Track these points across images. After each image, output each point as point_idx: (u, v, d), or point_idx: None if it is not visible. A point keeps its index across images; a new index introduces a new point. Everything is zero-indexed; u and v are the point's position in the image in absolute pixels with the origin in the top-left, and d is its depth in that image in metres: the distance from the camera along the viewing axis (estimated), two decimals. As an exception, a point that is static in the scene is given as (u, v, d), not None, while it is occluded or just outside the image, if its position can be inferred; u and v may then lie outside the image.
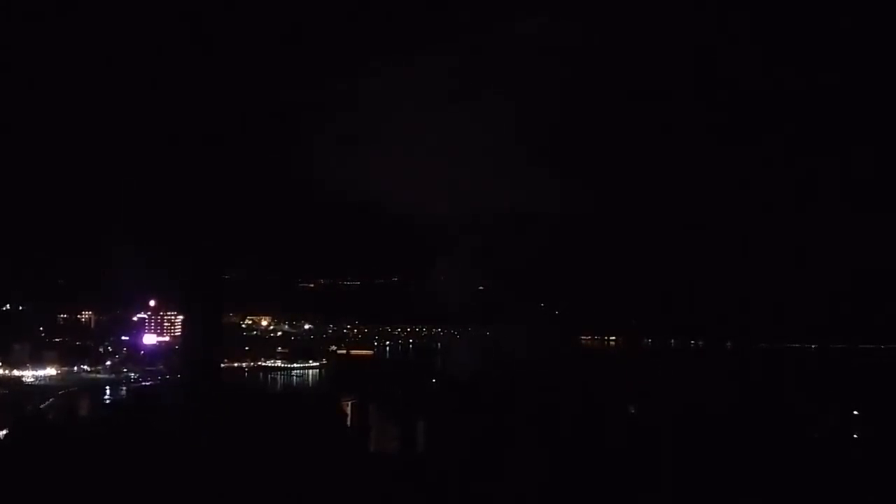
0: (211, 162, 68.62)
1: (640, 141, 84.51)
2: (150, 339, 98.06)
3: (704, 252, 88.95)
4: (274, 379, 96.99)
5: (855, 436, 67.47)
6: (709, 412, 66.68)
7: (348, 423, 64.12)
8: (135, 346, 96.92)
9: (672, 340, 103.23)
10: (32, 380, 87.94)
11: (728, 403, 70.45)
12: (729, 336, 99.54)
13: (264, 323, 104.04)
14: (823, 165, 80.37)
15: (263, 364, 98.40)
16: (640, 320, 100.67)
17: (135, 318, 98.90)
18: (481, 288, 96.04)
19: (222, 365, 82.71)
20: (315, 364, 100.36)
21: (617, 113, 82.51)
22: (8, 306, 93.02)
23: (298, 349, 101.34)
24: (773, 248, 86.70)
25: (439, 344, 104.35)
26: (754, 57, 75.82)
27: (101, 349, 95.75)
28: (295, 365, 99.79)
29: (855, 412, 70.89)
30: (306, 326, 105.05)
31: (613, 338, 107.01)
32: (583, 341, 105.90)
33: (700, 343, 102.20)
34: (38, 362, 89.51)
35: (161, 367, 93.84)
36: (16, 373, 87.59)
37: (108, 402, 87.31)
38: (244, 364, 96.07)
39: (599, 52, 74.63)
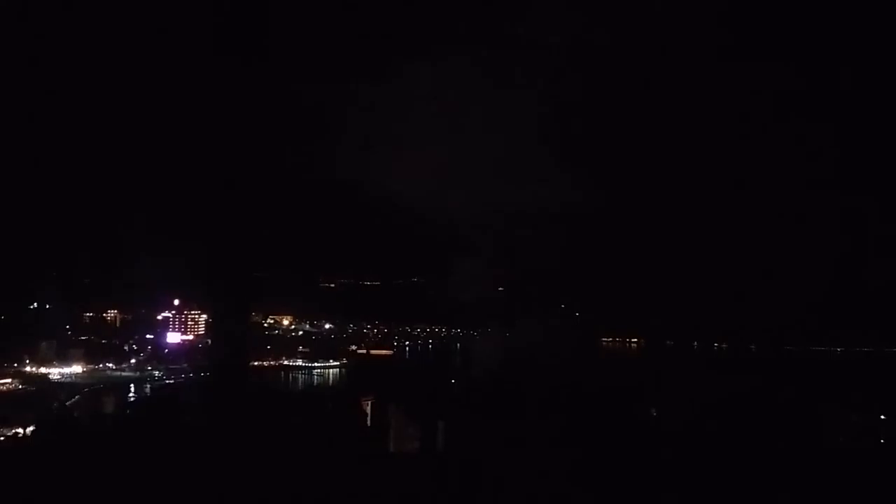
0: (236, 163, 69.16)
1: (666, 138, 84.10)
2: (174, 337, 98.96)
3: (729, 253, 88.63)
4: (295, 378, 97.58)
5: (882, 441, 67.02)
6: (731, 416, 66.50)
7: (368, 422, 64.52)
8: (159, 344, 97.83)
9: (695, 343, 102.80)
10: (59, 377, 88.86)
11: (751, 407, 70.22)
12: (753, 339, 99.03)
13: (286, 322, 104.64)
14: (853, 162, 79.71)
15: (285, 363, 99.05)
16: (661, 322, 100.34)
17: (159, 317, 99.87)
18: (501, 289, 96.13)
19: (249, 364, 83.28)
20: (335, 363, 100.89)
21: (640, 111, 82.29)
22: (35, 305, 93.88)
23: (319, 349, 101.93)
24: (801, 248, 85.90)
25: (458, 344, 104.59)
26: (777, 51, 75.47)
27: (126, 347, 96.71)
28: (316, 364, 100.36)
29: (882, 416, 70.39)
30: (327, 326, 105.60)
31: (635, 340, 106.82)
32: (604, 343, 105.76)
33: (723, 346, 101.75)
34: (65, 360, 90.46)
35: (185, 365, 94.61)
36: (42, 370, 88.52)
37: (132, 399, 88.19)
38: (266, 363, 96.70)
39: (621, 47, 74.60)
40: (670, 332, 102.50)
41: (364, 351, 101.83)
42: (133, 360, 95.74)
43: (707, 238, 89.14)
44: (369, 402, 66.84)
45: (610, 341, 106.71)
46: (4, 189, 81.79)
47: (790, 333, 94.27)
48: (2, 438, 66.81)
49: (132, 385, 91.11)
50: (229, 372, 69.02)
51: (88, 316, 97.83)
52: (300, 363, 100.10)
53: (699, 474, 49.49)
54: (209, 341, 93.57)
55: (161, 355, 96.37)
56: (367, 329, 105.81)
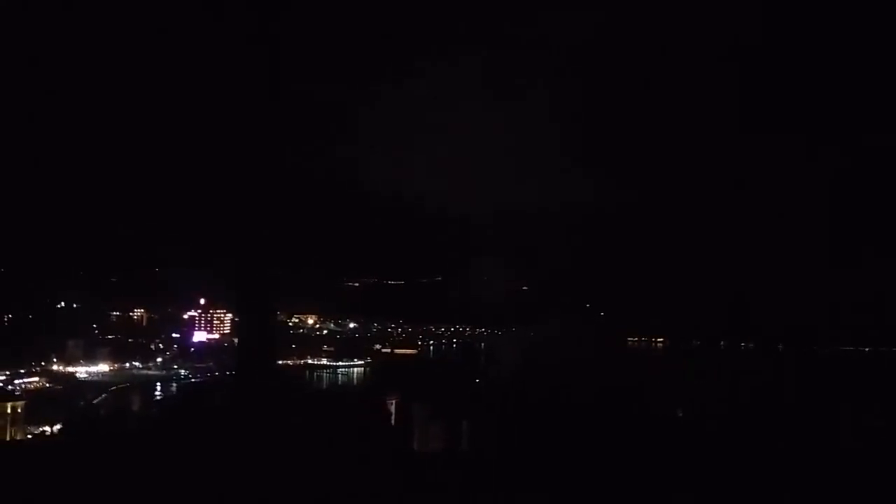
0: (259, 161, 69.20)
1: (693, 134, 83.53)
2: (200, 336, 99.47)
3: (757, 251, 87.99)
4: (320, 377, 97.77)
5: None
6: (757, 417, 66.13)
7: (392, 421, 64.58)
8: (185, 343, 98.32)
9: (721, 342, 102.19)
10: (86, 376, 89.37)
11: (778, 408, 69.83)
12: (781, 338, 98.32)
13: (310, 321, 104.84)
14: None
15: (309, 362, 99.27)
16: (687, 321, 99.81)
17: (185, 316, 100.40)
18: (525, 288, 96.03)
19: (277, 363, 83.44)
20: (360, 362, 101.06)
21: (664, 107, 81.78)
22: (62, 304, 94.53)
23: (343, 348, 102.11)
24: (829, 247, 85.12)
25: (483, 344, 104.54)
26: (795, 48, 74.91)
27: (152, 346, 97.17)
28: (340, 363, 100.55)
29: None
30: (351, 325, 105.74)
31: (661, 339, 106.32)
32: (629, 343, 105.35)
33: (750, 345, 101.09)
34: (92, 359, 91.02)
35: (211, 364, 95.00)
36: (70, 369, 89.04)
37: (159, 398, 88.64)
38: (291, 362, 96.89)
39: (643, 43, 74.25)
40: (697, 332, 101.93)
41: (388, 350, 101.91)
42: (159, 359, 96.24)
43: (735, 236, 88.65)
44: (393, 401, 67.00)
45: (636, 341, 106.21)
46: (32, 188, 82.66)
47: (819, 332, 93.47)
48: (29, 436, 67.49)
49: (158, 384, 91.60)
50: (259, 371, 69.06)
51: (115, 315, 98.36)
52: (325, 362, 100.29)
53: (722, 475, 49.23)
54: (236, 340, 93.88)
55: (187, 354, 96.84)
56: (392, 328, 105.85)
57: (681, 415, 71.75)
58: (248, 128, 69.04)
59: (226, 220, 76.17)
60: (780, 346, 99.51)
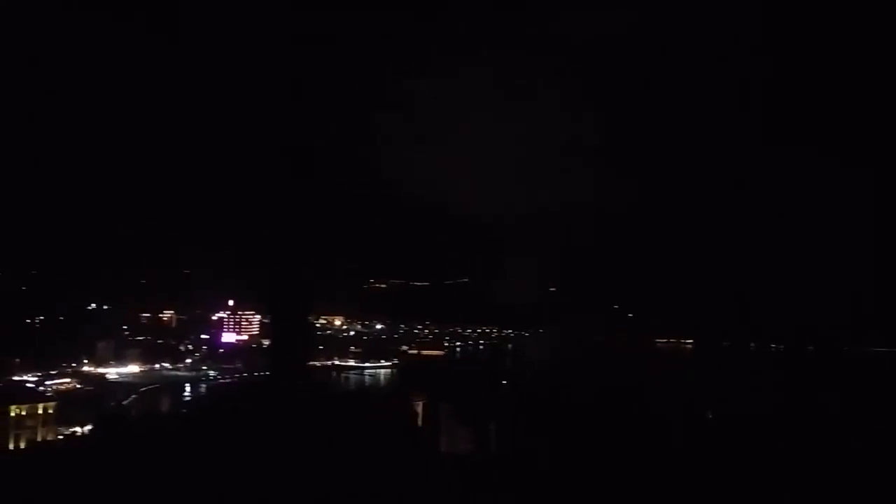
0: (293, 166, 69.47)
1: (720, 135, 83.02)
2: (228, 337, 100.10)
3: (788, 252, 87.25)
4: (347, 378, 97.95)
5: None
6: (785, 419, 65.66)
7: (419, 423, 64.62)
8: (214, 344, 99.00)
9: (751, 344, 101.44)
10: (116, 377, 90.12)
11: (808, 410, 69.27)
12: (811, 340, 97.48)
13: (337, 322, 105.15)
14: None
15: (337, 363, 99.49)
16: (716, 323, 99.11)
17: (214, 318, 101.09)
18: (553, 289, 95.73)
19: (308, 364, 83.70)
20: (387, 364, 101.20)
21: (690, 107, 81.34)
22: (93, 306, 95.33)
23: (370, 349, 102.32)
24: (858, 248, 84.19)
25: (510, 345, 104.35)
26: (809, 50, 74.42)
27: (181, 347, 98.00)
28: (367, 364, 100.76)
29: None
30: (378, 326, 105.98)
31: (689, 341, 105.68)
32: (658, 344, 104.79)
33: (780, 347, 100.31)
34: (122, 360, 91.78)
35: (239, 364, 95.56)
36: (100, 370, 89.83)
37: (188, 398, 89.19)
38: (319, 363, 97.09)
39: (663, 43, 73.92)
40: (726, 333, 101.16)
41: (415, 351, 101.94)
42: (188, 360, 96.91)
43: (766, 238, 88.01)
44: (421, 403, 67.04)
45: (665, 342, 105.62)
46: (66, 193, 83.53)
47: (848, 334, 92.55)
48: (60, 437, 68.09)
49: (188, 384, 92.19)
50: (292, 371, 69.39)
51: (145, 316, 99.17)
52: (351, 363, 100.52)
53: (752, 477, 49.02)
54: (269, 341, 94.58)
55: (216, 355, 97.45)
56: (418, 329, 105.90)
57: (710, 416, 71.33)
58: (279, 134, 69.66)
59: (260, 224, 76.91)
60: (810, 348, 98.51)
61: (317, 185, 68.41)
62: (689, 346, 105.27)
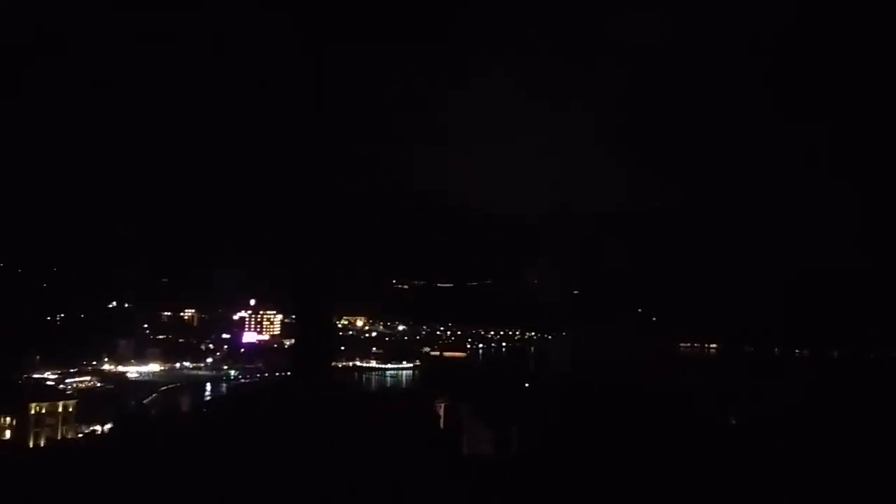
0: (315, 169, 69.21)
1: (749, 141, 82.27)
2: (250, 337, 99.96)
3: (816, 259, 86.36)
4: (369, 379, 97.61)
5: None
6: (810, 424, 64.83)
7: (441, 424, 64.08)
8: (235, 343, 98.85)
9: (775, 349, 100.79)
10: (137, 375, 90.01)
11: (830, 416, 68.39)
12: (835, 345, 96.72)
13: (359, 323, 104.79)
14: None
15: (359, 364, 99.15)
16: (741, 328, 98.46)
17: (235, 317, 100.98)
18: (576, 292, 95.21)
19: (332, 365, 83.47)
20: (408, 365, 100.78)
21: (722, 112, 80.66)
22: (114, 304, 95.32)
23: (392, 350, 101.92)
24: (881, 254, 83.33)
25: (532, 348, 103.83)
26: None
27: (202, 346, 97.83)
28: (389, 365, 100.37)
29: None
30: (400, 328, 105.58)
31: (713, 345, 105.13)
32: (681, 348, 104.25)
33: (805, 352, 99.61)
34: (142, 359, 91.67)
35: (260, 364, 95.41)
36: (121, 368, 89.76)
37: (209, 398, 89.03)
38: (340, 364, 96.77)
39: (701, 47, 73.24)
40: (750, 338, 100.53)
41: (437, 353, 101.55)
42: (209, 360, 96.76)
43: (792, 244, 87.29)
44: (443, 405, 66.56)
45: (688, 346, 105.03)
46: (88, 191, 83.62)
47: (875, 339, 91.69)
48: (80, 435, 67.91)
49: (208, 384, 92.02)
50: (317, 372, 69.08)
51: (166, 315, 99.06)
52: (373, 364, 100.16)
53: (774, 483, 48.24)
54: (286, 342, 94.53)
55: (237, 355, 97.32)
56: (441, 331, 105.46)
57: (734, 422, 70.55)
58: (302, 132, 69.34)
59: (286, 225, 76.62)
60: (835, 353, 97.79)
61: (343, 186, 68.17)
62: (713, 350, 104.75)
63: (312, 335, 66.89)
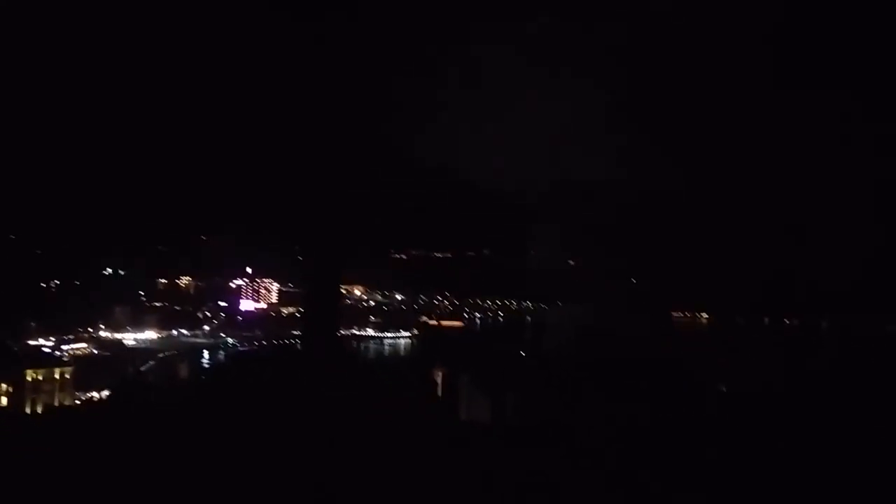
0: (319, 141, 69.17)
1: (745, 114, 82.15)
2: (247, 305, 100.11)
3: (803, 227, 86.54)
4: (366, 347, 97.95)
5: None
6: (798, 395, 65.29)
7: (439, 392, 64.59)
8: (232, 311, 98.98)
9: (765, 319, 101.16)
10: (133, 343, 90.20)
11: (819, 387, 68.85)
12: (826, 315, 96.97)
13: (357, 292, 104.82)
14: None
15: (356, 332, 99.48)
16: (732, 297, 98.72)
17: (232, 285, 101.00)
18: (571, 262, 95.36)
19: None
20: (406, 334, 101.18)
21: (721, 87, 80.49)
22: (110, 271, 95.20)
23: (390, 319, 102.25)
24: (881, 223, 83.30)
25: (529, 318, 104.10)
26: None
27: (199, 314, 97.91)
28: (386, 334, 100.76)
29: None
30: (398, 297, 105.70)
31: (705, 315, 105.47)
32: (674, 317, 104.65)
33: (795, 322, 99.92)
34: (139, 326, 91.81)
35: (257, 332, 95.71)
36: (117, 336, 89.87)
37: (206, 365, 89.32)
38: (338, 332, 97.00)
39: (712, 22, 72.95)
40: (741, 308, 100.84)
41: (435, 322, 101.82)
42: (206, 327, 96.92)
43: (782, 212, 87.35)
44: (440, 373, 67.07)
45: (681, 316, 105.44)
46: (83, 159, 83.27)
47: (866, 311, 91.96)
48: (77, 402, 68.20)
49: (206, 351, 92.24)
50: (324, 340, 69.29)
51: (162, 282, 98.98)
52: (371, 333, 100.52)
53: (763, 455, 48.63)
54: (288, 310, 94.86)
55: (234, 322, 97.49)
56: (438, 300, 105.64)
57: (724, 390, 71.13)
58: (311, 106, 69.17)
59: (293, 197, 76.51)
60: (823, 324, 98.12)
61: (346, 153, 68.09)
62: (705, 320, 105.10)
63: (323, 303, 66.93)
